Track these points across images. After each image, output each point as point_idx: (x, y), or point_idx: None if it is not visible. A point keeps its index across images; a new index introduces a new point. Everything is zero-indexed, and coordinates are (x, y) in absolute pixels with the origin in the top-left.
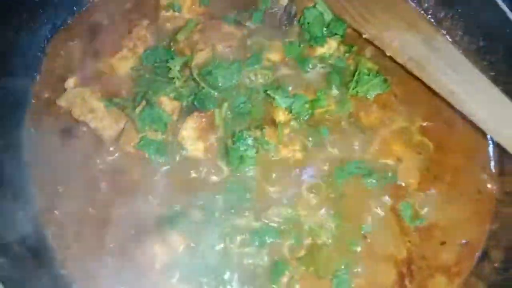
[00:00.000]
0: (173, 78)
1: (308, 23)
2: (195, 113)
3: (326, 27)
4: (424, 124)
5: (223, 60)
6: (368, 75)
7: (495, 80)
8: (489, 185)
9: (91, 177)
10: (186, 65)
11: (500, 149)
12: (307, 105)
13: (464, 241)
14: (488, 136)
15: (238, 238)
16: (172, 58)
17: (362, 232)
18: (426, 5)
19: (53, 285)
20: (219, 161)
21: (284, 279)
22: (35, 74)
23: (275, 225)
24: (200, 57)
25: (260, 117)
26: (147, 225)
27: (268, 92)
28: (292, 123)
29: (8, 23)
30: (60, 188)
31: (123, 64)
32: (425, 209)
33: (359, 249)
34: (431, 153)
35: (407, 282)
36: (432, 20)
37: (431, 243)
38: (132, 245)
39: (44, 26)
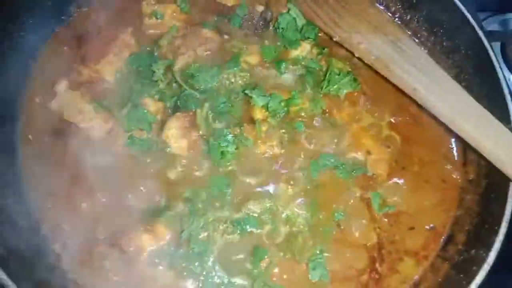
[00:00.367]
0: (157, 80)
1: (282, 28)
2: (178, 113)
3: (300, 31)
4: (392, 119)
5: (203, 64)
6: (339, 74)
7: (458, 77)
8: (453, 175)
9: (82, 174)
10: (169, 68)
11: (462, 141)
12: (282, 104)
13: (430, 226)
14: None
15: (221, 227)
16: (156, 62)
17: (336, 220)
18: (393, 8)
19: (49, 275)
20: (202, 157)
21: (264, 264)
22: (26, 80)
23: (255, 215)
24: (182, 61)
25: (239, 115)
26: (135, 218)
27: (246, 92)
28: (269, 120)
29: (0, 33)
30: (53, 186)
31: (110, 69)
32: (394, 198)
33: (333, 235)
34: (399, 146)
35: (377, 265)
36: (399, 23)
37: (400, 228)
38: (122, 236)
39: (34, 34)
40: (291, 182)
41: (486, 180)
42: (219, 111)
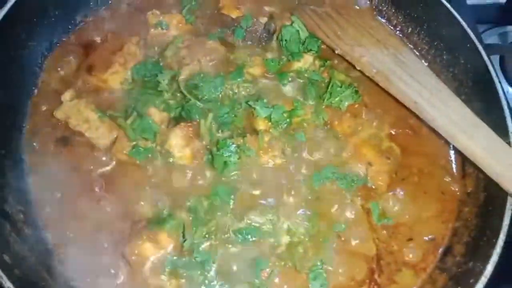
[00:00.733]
0: (162, 91)
1: (285, 40)
2: (182, 123)
3: (302, 44)
4: (392, 131)
5: (208, 74)
6: (341, 87)
7: (458, 90)
8: (452, 187)
9: (86, 182)
10: (173, 78)
11: (461, 153)
12: (285, 115)
13: (429, 237)
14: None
15: (223, 237)
16: (161, 72)
17: (336, 230)
18: (395, 21)
19: (53, 282)
20: (205, 166)
21: (265, 274)
22: (33, 88)
23: (257, 225)
24: (186, 71)
25: (242, 126)
26: (138, 226)
27: (250, 103)
28: (272, 131)
29: (8, 42)
30: (58, 194)
31: (115, 78)
32: (393, 209)
33: (333, 246)
34: (399, 157)
35: (376, 276)
36: (401, 36)
37: (398, 240)
38: (125, 245)
39: (41, 43)
40: (293, 193)
41: (484, 193)
42: (222, 121)
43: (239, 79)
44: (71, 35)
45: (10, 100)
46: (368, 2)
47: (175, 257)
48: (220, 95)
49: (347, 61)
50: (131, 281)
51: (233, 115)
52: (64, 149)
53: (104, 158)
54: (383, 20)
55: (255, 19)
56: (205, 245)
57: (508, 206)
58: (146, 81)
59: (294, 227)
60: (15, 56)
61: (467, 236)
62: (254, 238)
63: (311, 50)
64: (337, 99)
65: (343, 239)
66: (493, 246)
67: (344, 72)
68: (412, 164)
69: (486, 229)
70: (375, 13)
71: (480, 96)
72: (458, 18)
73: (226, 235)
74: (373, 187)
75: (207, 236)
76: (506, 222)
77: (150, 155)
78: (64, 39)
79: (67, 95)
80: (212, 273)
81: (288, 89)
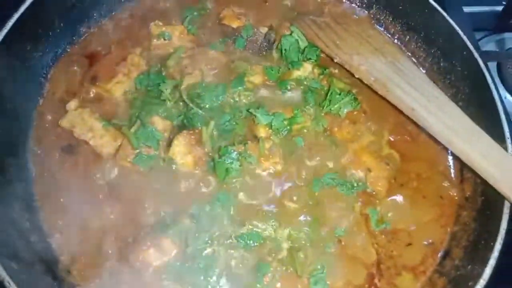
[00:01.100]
0: (165, 100)
1: (285, 49)
2: (185, 131)
3: (302, 53)
4: (391, 137)
5: (209, 83)
6: (340, 94)
7: (455, 97)
8: (450, 192)
9: (91, 189)
10: (176, 88)
11: (459, 159)
12: (285, 122)
13: (428, 241)
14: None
15: (225, 242)
16: (164, 82)
17: (337, 235)
18: (392, 30)
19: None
20: (207, 173)
21: (267, 278)
22: (39, 98)
23: (259, 230)
24: (188, 81)
25: (243, 133)
26: (142, 233)
27: (250, 110)
28: (272, 138)
29: (14, 53)
30: (63, 201)
31: (119, 88)
32: (392, 214)
33: (334, 251)
34: (398, 163)
35: (376, 280)
36: (399, 44)
37: (398, 244)
38: (129, 251)
39: (46, 54)
40: (294, 199)
41: (482, 198)
42: (224, 129)
43: (240, 88)
44: (75, 46)
45: (16, 109)
46: (365, 11)
47: (178, 263)
48: (222, 103)
49: (346, 69)
50: (135, 287)
51: (234, 123)
52: (69, 157)
53: (108, 166)
54: (381, 29)
55: (255, 29)
56: (208, 250)
57: (505, 210)
58: (149, 91)
59: (295, 233)
60: (21, 66)
61: (466, 240)
62: (255, 244)
63: (310, 58)
64: (336, 106)
65: (343, 243)
66: (491, 249)
67: (343, 80)
68: (411, 169)
69: (484, 233)
70: (373, 22)
71: (477, 102)
72: (454, 26)
73: (228, 241)
74: (373, 192)
75: (209, 242)
76: (503, 226)
77: (153, 163)
78: (68, 50)
79: (71, 105)
80: (215, 278)
81: (288, 96)
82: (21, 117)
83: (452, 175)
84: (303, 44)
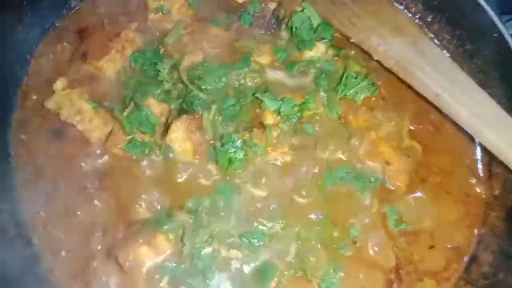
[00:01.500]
0: (162, 80)
1: (296, 27)
2: (184, 116)
3: (314, 31)
4: (412, 127)
5: (211, 63)
6: (356, 78)
7: (483, 83)
8: (477, 189)
9: (78, 178)
10: (174, 67)
11: (488, 152)
12: (295, 108)
13: (452, 245)
14: (476, 140)
15: (227, 241)
16: (161, 61)
17: (351, 236)
18: (414, 9)
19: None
20: (208, 163)
21: (273, 283)
22: (23, 76)
23: (264, 228)
24: (188, 60)
25: (248, 119)
26: (134, 228)
27: (257, 95)
28: (281, 125)
29: None
30: (47, 191)
31: (111, 67)
32: (413, 213)
33: (348, 253)
34: (419, 156)
35: (395, 287)
36: (420, 24)
37: (419, 247)
38: (119, 248)
39: (32, 28)
40: (303, 193)
41: None
42: (227, 114)
43: (245, 69)
44: (64, 20)
45: None
46: None
47: (173, 263)
48: (225, 86)
49: (363, 50)
50: None
51: (239, 108)
52: (55, 143)
53: (98, 153)
54: (401, 7)
55: (263, 4)
56: (207, 250)
57: None
58: (145, 70)
59: (304, 232)
60: (5, 41)
61: (495, 243)
62: (260, 243)
63: (323, 38)
64: (352, 91)
65: (358, 245)
66: None
67: (360, 62)
68: (433, 163)
69: None
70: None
71: (506, 90)
72: (484, 6)
73: (230, 239)
74: (391, 188)
75: (209, 240)
76: None
77: (148, 150)
78: (57, 25)
79: (59, 84)
80: (214, 281)
81: (299, 80)
82: (3, 97)
83: (480, 170)
84: (315, 21)
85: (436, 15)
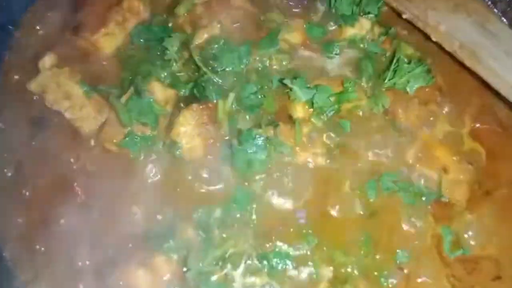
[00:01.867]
0: (169, 60)
1: None
2: (194, 105)
3: (357, 4)
4: (475, 125)
5: (230, 40)
6: (409, 63)
7: None
8: None
9: (63, 178)
10: (185, 45)
11: None
12: (332, 99)
13: None
14: None
15: (242, 263)
16: (169, 36)
17: (398, 262)
18: None
19: None
20: (222, 165)
21: None
22: (4, 51)
23: (290, 249)
24: (202, 35)
25: (273, 111)
26: (128, 244)
27: (285, 81)
28: (313, 120)
29: None
30: (25, 192)
31: (109, 42)
32: (473, 235)
33: (393, 282)
34: (483, 163)
35: None
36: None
37: (480, 278)
38: (109, 269)
39: None
40: (338, 206)
41: None
42: (247, 104)
43: (271, 49)
44: None
45: None
46: None
47: None
48: (246, 69)
49: (418, 29)
50: None
51: (262, 97)
52: (38, 133)
53: (88, 148)
54: None
55: None
56: (217, 275)
57: None
58: (149, 47)
59: (340, 255)
60: None
61: None
62: (284, 267)
63: (369, 13)
64: (403, 79)
65: (406, 272)
66: None
67: (413, 45)
68: (500, 172)
69: None
70: None
71: None
72: None
73: (247, 262)
74: (448, 202)
75: (220, 263)
76: None
77: (148, 146)
78: None
79: (46, 61)
80: None
81: (337, 64)
82: None
83: None
84: None
85: None
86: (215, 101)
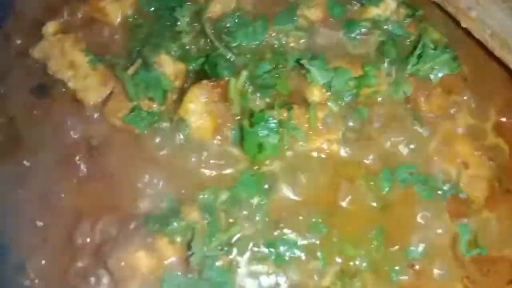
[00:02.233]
0: (180, 32)
1: None
2: (204, 81)
3: None
4: (500, 119)
5: (245, 14)
6: (435, 49)
7: None
8: None
9: (65, 152)
10: (197, 16)
11: None
12: (351, 83)
13: None
14: None
15: (248, 250)
16: (181, 5)
17: (409, 257)
18: None
19: None
20: (231, 147)
21: None
22: (6, 14)
23: (298, 237)
24: (216, 7)
25: (287, 92)
26: (130, 224)
27: (301, 61)
28: (330, 104)
29: None
30: (26, 163)
31: (118, 9)
32: (491, 234)
33: (403, 279)
34: (506, 159)
35: None
36: None
37: (496, 280)
38: (110, 249)
39: None
40: (351, 197)
41: None
42: (260, 83)
43: (288, 25)
44: None
45: None
46: None
47: (177, 273)
48: (261, 46)
49: (446, 13)
50: None
51: (276, 76)
52: (39, 102)
53: (91, 120)
54: None
55: None
56: (222, 261)
57: None
58: (159, 17)
59: (350, 248)
60: None
61: None
62: (291, 255)
63: None
64: (427, 66)
65: (417, 268)
66: None
67: (440, 29)
68: None
69: None
70: None
71: None
72: None
73: (254, 248)
74: (466, 199)
75: (226, 248)
76: None
77: (155, 123)
78: None
79: (49, 27)
80: None
81: (359, 45)
82: None
83: None
84: None
85: None
86: (226, 78)
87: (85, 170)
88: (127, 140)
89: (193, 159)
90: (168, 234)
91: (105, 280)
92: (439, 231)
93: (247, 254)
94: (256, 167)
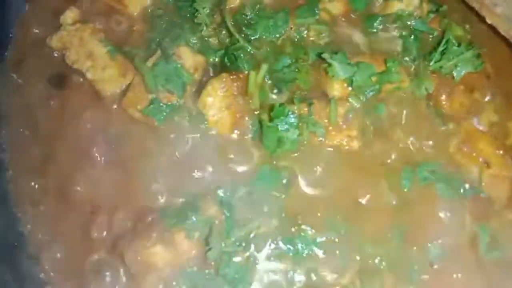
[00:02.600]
0: (200, 24)
1: None
2: (224, 74)
3: None
4: None
5: (266, 6)
6: (458, 46)
7: None
8: None
9: (81, 142)
10: (218, 7)
11: None
12: (373, 78)
13: None
14: None
15: (266, 246)
16: None
17: (429, 257)
18: None
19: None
20: (249, 141)
21: None
22: (24, 2)
23: (317, 234)
24: None
25: (308, 87)
26: (147, 218)
27: (323, 55)
28: (351, 100)
29: None
30: (40, 153)
31: (137, 0)
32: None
33: (423, 278)
34: None
35: None
36: None
37: None
38: (126, 242)
39: None
40: (370, 195)
41: None
42: (280, 77)
43: (310, 18)
44: None
45: None
46: None
47: (194, 269)
48: (281, 39)
49: (471, 9)
50: None
51: (297, 71)
52: (57, 92)
53: (109, 112)
54: None
55: None
56: (240, 257)
57: None
58: (179, 8)
59: (368, 247)
60: None
61: None
62: (310, 253)
63: None
64: (450, 63)
65: (436, 267)
66: None
67: (465, 25)
68: None
69: None
70: None
71: None
72: None
73: (272, 245)
74: (488, 198)
75: (243, 244)
76: None
77: (174, 116)
78: None
79: (68, 16)
80: None
81: (381, 40)
82: None
83: None
84: None
85: None
86: (246, 71)
87: (102, 161)
88: (145, 132)
89: (211, 153)
90: (185, 229)
91: (121, 274)
92: (460, 231)
93: (265, 251)
94: (274, 162)
